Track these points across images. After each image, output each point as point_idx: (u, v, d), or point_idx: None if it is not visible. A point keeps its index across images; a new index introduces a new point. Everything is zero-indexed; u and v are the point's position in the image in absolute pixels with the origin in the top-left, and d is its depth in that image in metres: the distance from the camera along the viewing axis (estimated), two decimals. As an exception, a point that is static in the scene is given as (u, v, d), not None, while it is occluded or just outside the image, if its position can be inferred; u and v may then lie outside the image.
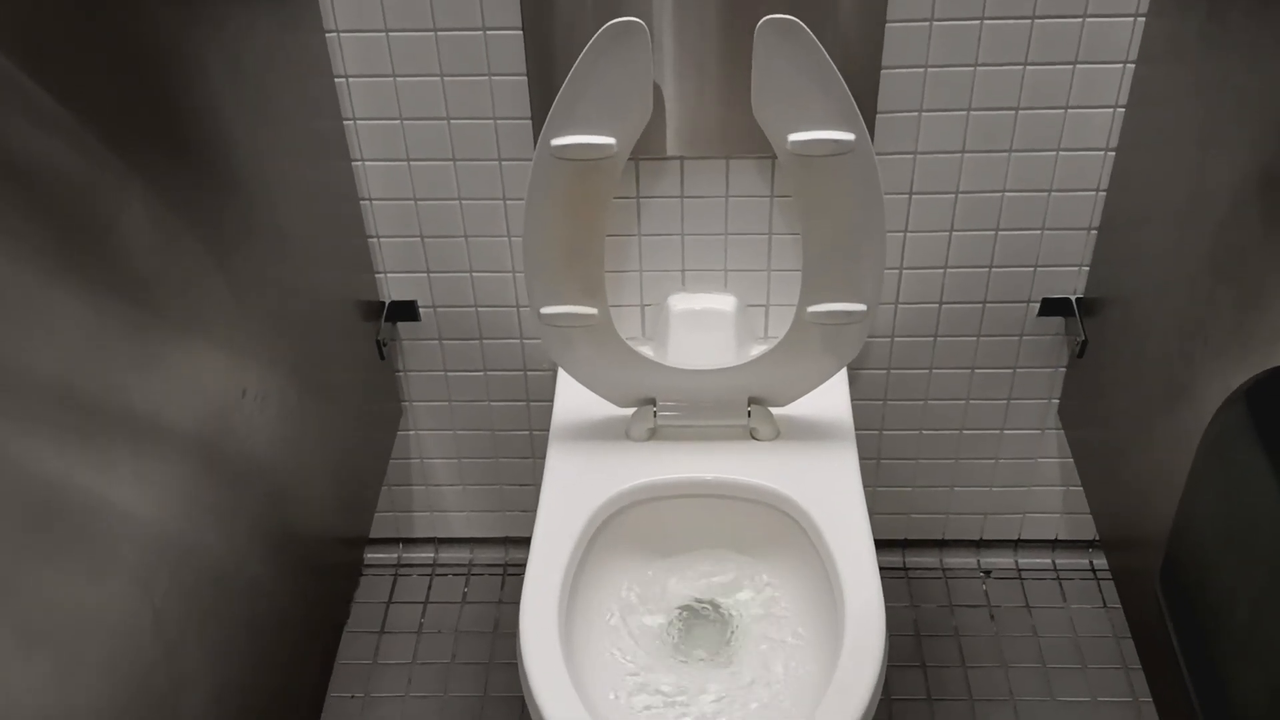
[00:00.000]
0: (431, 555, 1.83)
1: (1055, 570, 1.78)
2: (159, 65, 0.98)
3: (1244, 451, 0.98)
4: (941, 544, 1.81)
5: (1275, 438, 0.93)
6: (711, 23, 1.31)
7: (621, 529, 1.40)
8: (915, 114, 1.38)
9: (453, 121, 1.40)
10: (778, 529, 1.40)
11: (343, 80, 1.37)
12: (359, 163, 1.43)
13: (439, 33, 1.34)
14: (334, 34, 1.34)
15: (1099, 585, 1.76)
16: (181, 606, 1.00)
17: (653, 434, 1.45)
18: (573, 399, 1.48)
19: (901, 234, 1.48)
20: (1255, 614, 0.95)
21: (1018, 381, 1.61)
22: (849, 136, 1.20)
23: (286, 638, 1.27)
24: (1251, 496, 0.95)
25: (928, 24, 1.32)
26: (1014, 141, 1.39)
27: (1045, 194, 1.43)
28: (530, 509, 1.75)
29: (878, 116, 1.38)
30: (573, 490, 1.39)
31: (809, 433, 1.45)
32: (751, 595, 1.42)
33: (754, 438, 1.44)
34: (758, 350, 1.52)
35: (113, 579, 0.90)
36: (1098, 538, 1.76)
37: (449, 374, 1.63)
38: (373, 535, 1.82)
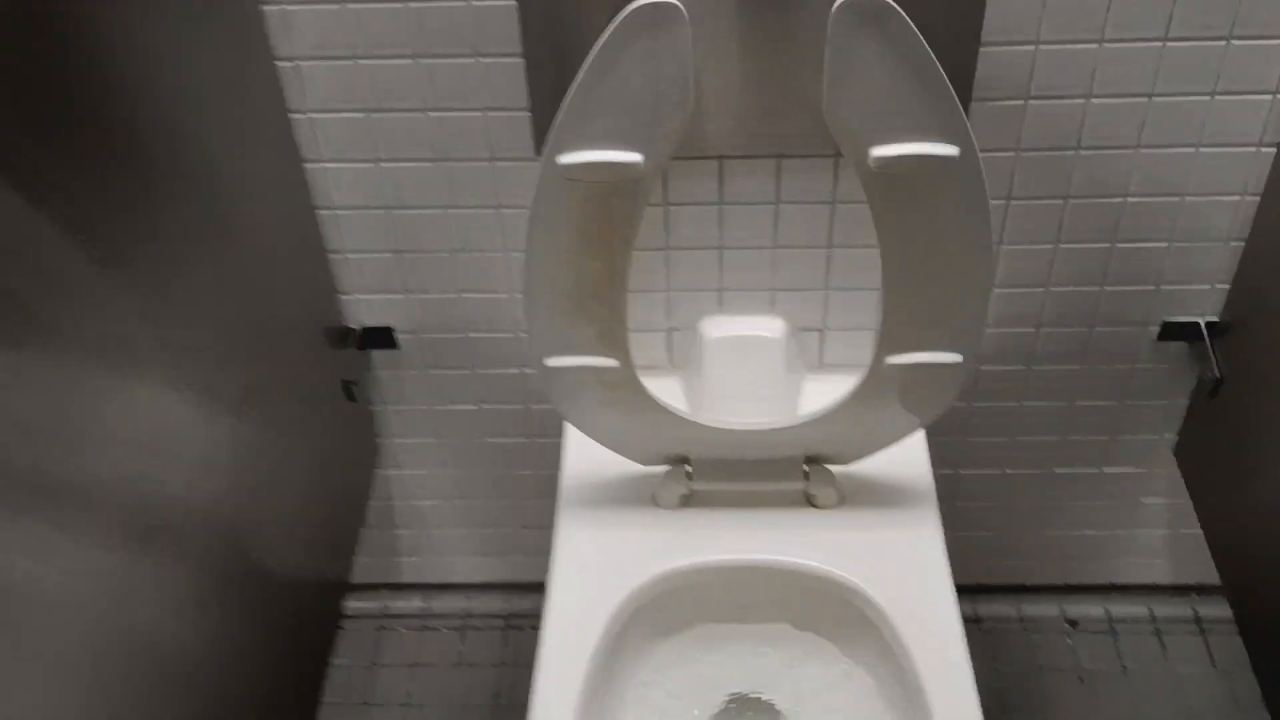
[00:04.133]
0: (422, 604, 1.57)
1: (1154, 620, 1.52)
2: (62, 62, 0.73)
3: None
4: (1021, 590, 1.54)
5: None
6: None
7: (650, 618, 1.14)
8: (1021, 103, 1.08)
9: (432, 114, 1.10)
10: (843, 612, 1.13)
11: (289, 65, 1.07)
12: (315, 165, 1.14)
13: (410, 3, 1.04)
14: (275, 7, 1.04)
15: (1205, 640, 1.50)
16: (121, 695, 0.82)
17: (686, 501, 1.17)
18: (585, 452, 1.19)
19: (995, 246, 1.19)
20: None
21: (1125, 415, 1.33)
22: (951, 151, 0.91)
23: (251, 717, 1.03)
24: None
25: (1044, -10, 1.02)
26: (1143, 135, 1.10)
27: (1178, 199, 1.14)
28: (538, 552, 1.49)
29: (972, 105, 1.09)
30: (589, 579, 1.12)
31: (880, 498, 1.17)
32: (810, 686, 1.16)
33: (811, 504, 1.17)
34: (814, 386, 1.25)
35: (37, 671, 0.73)
36: (1204, 582, 1.50)
37: (436, 409, 1.35)
38: (354, 580, 1.56)
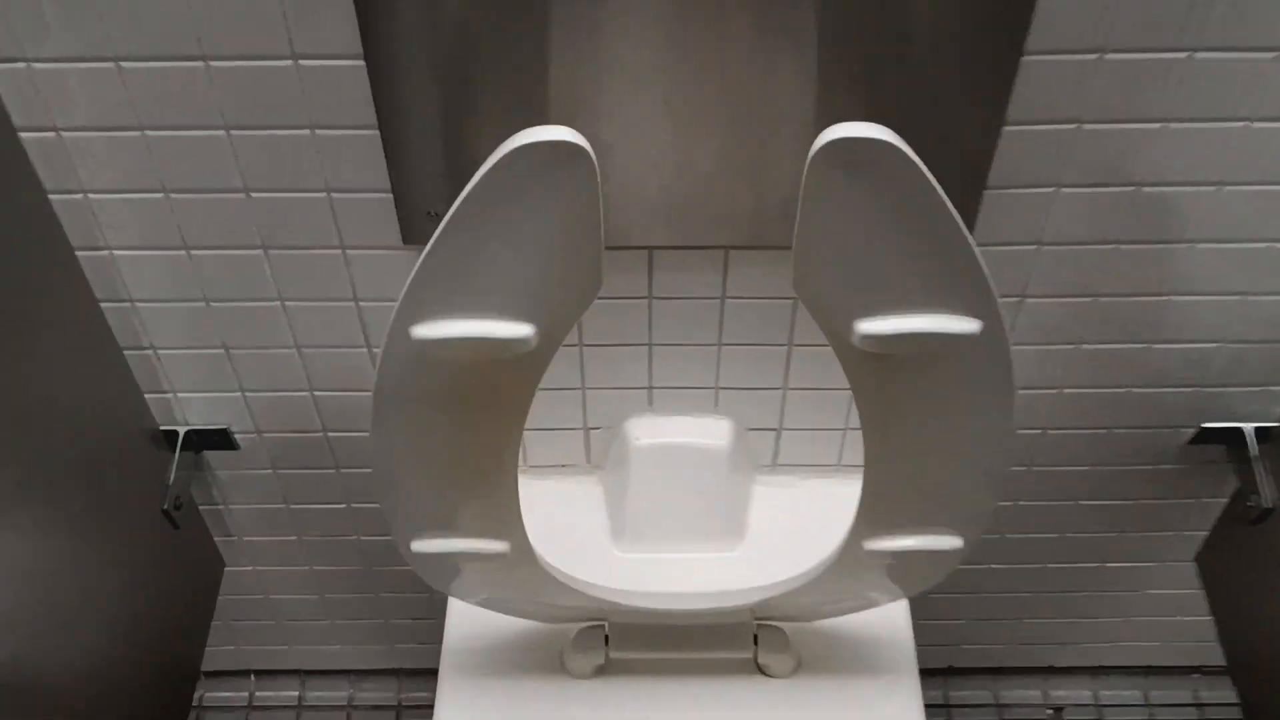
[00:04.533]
0: (296, 692, 1.32)
1: (1148, 705, 1.32)
2: None
3: None
4: (998, 671, 1.33)
5: None
6: (705, 39, 0.72)
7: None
8: (1051, 190, 0.81)
9: (255, 195, 0.81)
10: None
11: (49, 135, 0.77)
12: (93, 252, 0.85)
13: (213, 63, 0.73)
14: (17, 65, 0.73)
15: (1207, 730, 1.31)
16: None
17: (602, 670, 0.93)
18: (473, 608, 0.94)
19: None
20: None
21: (1140, 515, 1.10)
22: (971, 327, 0.64)
23: None
24: None
25: (1097, 56, 0.74)
26: (1203, 229, 0.84)
27: (1238, 298, 0.89)
28: (429, 641, 1.25)
29: (985, 194, 0.81)
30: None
31: (846, 663, 0.94)
32: None
33: (762, 673, 0.93)
34: (766, 491, 1.01)
35: None
36: (1206, 664, 1.30)
37: (294, 508, 1.09)
38: (217, 668, 1.31)
